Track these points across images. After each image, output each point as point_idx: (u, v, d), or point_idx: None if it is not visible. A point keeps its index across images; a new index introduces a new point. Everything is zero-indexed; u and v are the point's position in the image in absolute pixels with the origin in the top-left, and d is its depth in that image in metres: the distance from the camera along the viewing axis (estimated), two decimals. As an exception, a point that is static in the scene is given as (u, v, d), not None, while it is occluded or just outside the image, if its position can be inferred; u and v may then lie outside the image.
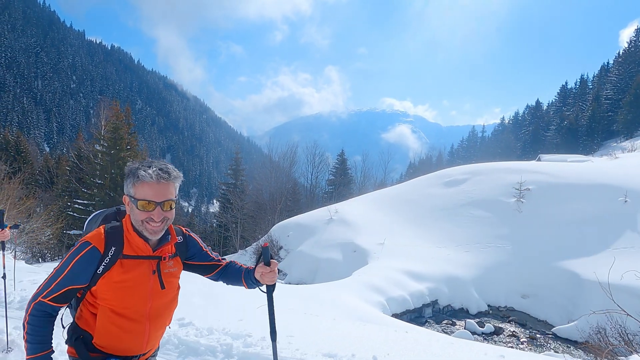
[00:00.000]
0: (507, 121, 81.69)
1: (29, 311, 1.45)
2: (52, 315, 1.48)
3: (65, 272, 1.44)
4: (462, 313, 12.07)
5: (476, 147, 79.87)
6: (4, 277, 3.80)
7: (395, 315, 10.39)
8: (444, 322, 11.38)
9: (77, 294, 1.54)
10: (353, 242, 15.32)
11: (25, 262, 12.30)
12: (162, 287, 1.58)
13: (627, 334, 7.11)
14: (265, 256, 1.72)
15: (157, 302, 1.59)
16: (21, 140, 40.06)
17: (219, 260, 1.85)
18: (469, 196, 17.27)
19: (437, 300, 12.02)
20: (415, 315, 11.38)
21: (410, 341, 5.55)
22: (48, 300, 1.45)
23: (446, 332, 10.39)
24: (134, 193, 1.47)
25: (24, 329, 1.45)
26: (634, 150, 34.05)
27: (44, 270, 9.36)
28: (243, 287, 1.84)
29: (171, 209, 1.52)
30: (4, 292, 3.72)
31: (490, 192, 16.98)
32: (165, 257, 1.61)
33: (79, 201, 23.06)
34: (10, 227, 3.80)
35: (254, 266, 1.80)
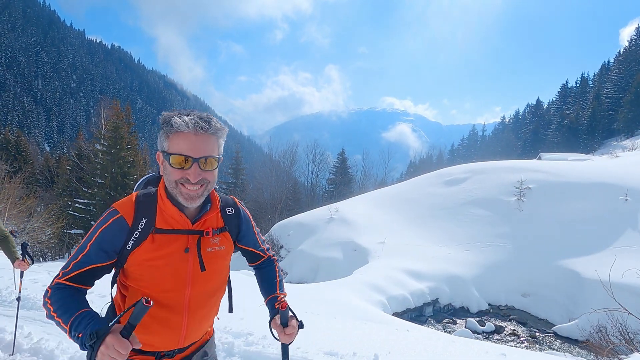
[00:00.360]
0: (507, 120, 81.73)
1: (46, 297, 1.19)
2: (75, 288, 1.21)
3: (89, 247, 1.20)
4: (463, 312, 12.08)
5: (476, 146, 79.93)
6: (18, 299, 4.02)
7: (396, 314, 10.40)
8: (444, 320, 11.39)
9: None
10: (353, 241, 15.33)
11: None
12: (202, 268, 1.29)
13: (628, 333, 7.11)
14: (283, 318, 1.45)
15: (198, 289, 1.31)
16: (21, 139, 40.06)
17: (263, 251, 1.61)
18: (469, 195, 17.27)
19: (437, 299, 12.03)
20: (416, 314, 11.39)
21: (412, 340, 5.56)
22: (65, 280, 1.20)
23: (447, 331, 10.39)
24: (167, 147, 1.21)
25: (48, 312, 1.17)
26: (635, 149, 34.03)
27: (45, 270, 9.35)
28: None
29: (212, 169, 1.23)
30: (16, 312, 3.96)
31: (491, 191, 16.99)
32: (207, 232, 1.31)
33: (79, 200, 23.08)
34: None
35: (282, 300, 1.52)
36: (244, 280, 8.27)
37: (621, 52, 59.51)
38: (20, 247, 3.76)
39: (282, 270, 15.86)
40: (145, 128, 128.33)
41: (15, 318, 3.86)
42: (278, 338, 1.49)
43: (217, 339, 4.32)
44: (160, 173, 1.29)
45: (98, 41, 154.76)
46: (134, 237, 1.22)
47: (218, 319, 1.52)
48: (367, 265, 13.44)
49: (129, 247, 1.22)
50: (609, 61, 63.89)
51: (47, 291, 1.20)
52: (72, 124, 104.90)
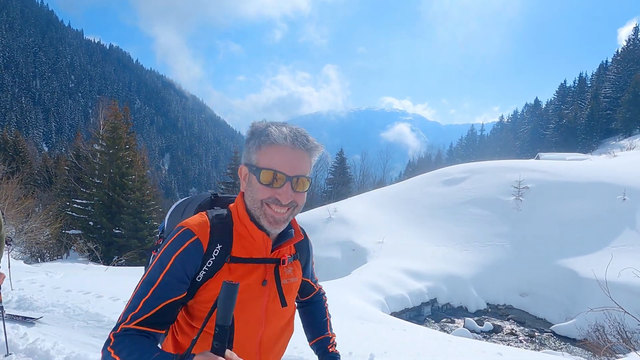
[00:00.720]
0: (506, 120, 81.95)
1: (109, 346, 0.92)
2: (148, 333, 0.95)
3: (162, 277, 0.97)
4: (461, 311, 12.09)
5: (475, 145, 79.95)
6: (1, 308, 3.99)
7: (394, 314, 10.40)
8: (443, 320, 11.40)
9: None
10: (352, 241, 15.32)
11: (24, 262, 12.27)
12: (284, 304, 1.12)
13: (625, 332, 7.13)
14: None
15: (271, 328, 1.11)
16: (20, 140, 40.00)
17: (316, 283, 1.43)
18: (468, 195, 17.29)
19: (436, 298, 12.03)
20: (414, 314, 11.39)
21: (408, 339, 5.56)
22: (134, 325, 0.93)
23: (445, 331, 10.40)
24: (256, 160, 1.03)
25: None
26: (633, 149, 34.15)
27: (43, 270, 9.32)
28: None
29: (303, 191, 1.06)
30: (2, 318, 3.92)
31: (489, 190, 17.01)
32: (284, 260, 1.13)
33: (77, 201, 23.02)
34: None
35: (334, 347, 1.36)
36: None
37: (619, 51, 59.69)
38: None
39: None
40: (144, 128, 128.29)
41: (2, 322, 3.89)
42: None
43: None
44: (242, 189, 1.12)
45: (96, 41, 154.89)
46: (207, 267, 1.01)
47: None
48: (365, 265, 13.44)
49: (199, 278, 1.01)
50: (607, 61, 64.08)
51: (109, 340, 0.93)
52: (70, 124, 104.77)
